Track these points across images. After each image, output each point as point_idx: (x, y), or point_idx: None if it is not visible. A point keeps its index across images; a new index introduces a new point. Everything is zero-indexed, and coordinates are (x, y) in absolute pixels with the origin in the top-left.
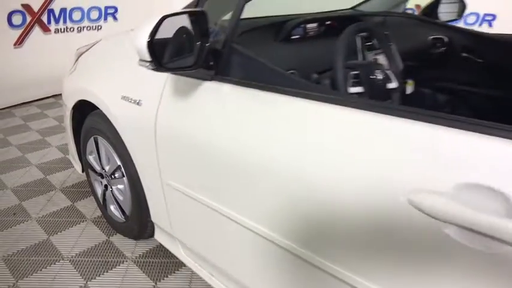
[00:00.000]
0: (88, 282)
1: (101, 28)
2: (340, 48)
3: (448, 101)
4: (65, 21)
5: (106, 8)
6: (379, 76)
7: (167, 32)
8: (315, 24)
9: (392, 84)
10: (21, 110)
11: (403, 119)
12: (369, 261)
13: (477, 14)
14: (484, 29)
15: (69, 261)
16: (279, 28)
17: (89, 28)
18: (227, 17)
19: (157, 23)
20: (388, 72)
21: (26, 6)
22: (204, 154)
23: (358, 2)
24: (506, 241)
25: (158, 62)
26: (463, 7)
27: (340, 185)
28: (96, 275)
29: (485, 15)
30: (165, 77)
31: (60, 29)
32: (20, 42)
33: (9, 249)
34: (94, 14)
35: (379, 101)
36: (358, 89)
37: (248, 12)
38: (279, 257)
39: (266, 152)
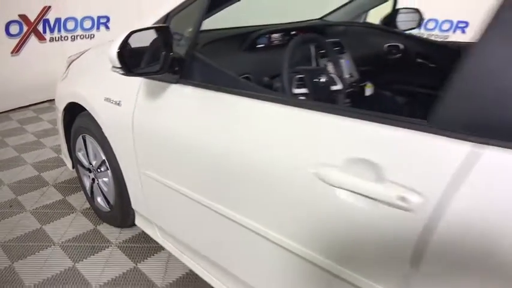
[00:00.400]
0: (76, 264)
1: (93, 37)
2: (286, 57)
3: (406, 102)
4: (59, 31)
5: (98, 17)
6: (322, 79)
7: (145, 42)
8: (278, 34)
9: (337, 86)
10: (18, 114)
11: (316, 112)
12: (288, 217)
13: (451, 22)
14: (458, 35)
15: (60, 246)
16: (244, 38)
17: (82, 37)
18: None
19: (125, 37)
20: (333, 76)
21: (23, 17)
22: (173, 146)
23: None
24: (378, 199)
25: (127, 69)
26: (420, 17)
27: (272, 164)
28: (83, 257)
29: (459, 22)
30: (139, 81)
31: (55, 38)
32: (17, 50)
33: (6, 237)
34: (87, 24)
35: (301, 100)
36: (302, 90)
37: (220, 23)
38: (236, 230)
39: (221, 142)
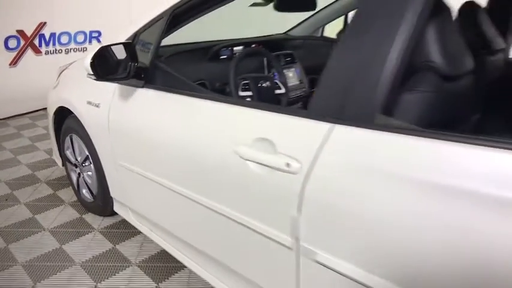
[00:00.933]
0: (62, 245)
1: (86, 50)
2: (232, 66)
3: None
4: (54, 44)
5: (91, 32)
6: (265, 84)
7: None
8: (240, 47)
9: (281, 90)
10: (15, 120)
11: (237, 106)
12: (218, 185)
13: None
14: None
15: (49, 231)
16: (208, 50)
17: (75, 50)
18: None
19: (97, 51)
20: (278, 82)
21: (20, 32)
22: (140, 140)
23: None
24: (274, 167)
25: (98, 75)
26: None
27: (210, 147)
28: (69, 240)
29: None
30: (114, 86)
31: (50, 51)
32: (14, 62)
33: (2, 224)
34: (80, 38)
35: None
36: (247, 93)
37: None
38: (190, 205)
39: (176, 135)
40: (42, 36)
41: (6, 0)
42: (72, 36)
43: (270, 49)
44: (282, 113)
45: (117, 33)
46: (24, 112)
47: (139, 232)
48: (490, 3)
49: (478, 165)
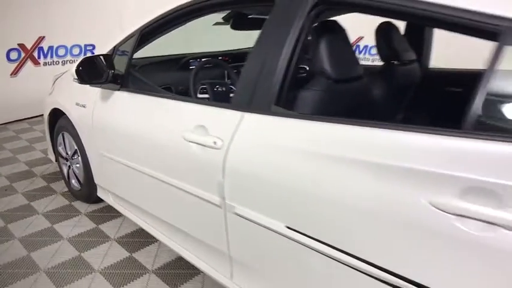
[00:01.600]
0: (53, 225)
1: None
2: (192, 73)
3: None
4: (51, 56)
5: (85, 45)
6: (220, 89)
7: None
8: (207, 59)
9: None
10: (15, 125)
11: (184, 102)
12: (171, 163)
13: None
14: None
15: (42, 215)
16: (178, 61)
17: (71, 61)
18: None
19: (81, 60)
20: (233, 87)
21: (21, 45)
22: (117, 133)
23: None
24: (206, 145)
25: (81, 79)
26: None
27: (167, 135)
28: (59, 221)
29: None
30: (97, 90)
31: (48, 62)
32: (15, 72)
33: (2, 208)
34: (75, 50)
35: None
36: (204, 95)
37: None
38: (152, 182)
39: (144, 127)
40: (41, 49)
41: (8, 16)
42: (69, 49)
43: (237, 61)
44: (214, 106)
45: (106, 47)
46: (23, 118)
47: (120, 214)
48: (407, 27)
49: (339, 139)
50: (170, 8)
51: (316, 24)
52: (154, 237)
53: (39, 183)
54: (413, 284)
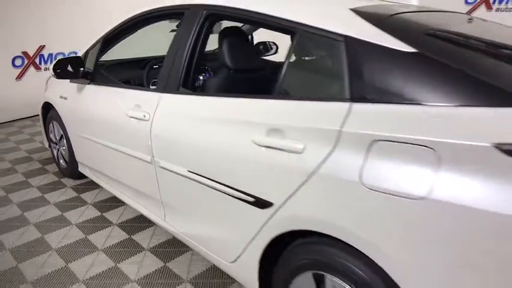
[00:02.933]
0: (44, 195)
1: None
2: (145, 71)
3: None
4: (51, 62)
5: None
6: None
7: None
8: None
9: None
10: (19, 122)
11: (129, 89)
12: (120, 135)
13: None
14: None
15: (36, 188)
16: (141, 62)
17: None
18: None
19: (57, 61)
20: None
21: (25, 53)
22: (89, 117)
23: None
24: (142, 119)
25: (57, 75)
26: (276, 47)
27: (117, 114)
28: (49, 192)
29: None
30: (75, 84)
31: (48, 68)
32: (19, 77)
33: (5, 183)
34: None
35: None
36: (153, 87)
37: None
38: (112, 152)
39: (106, 110)
40: (42, 56)
41: (14, 28)
42: (66, 55)
43: None
44: (146, 90)
45: (82, 51)
46: (27, 116)
47: (98, 186)
48: None
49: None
50: (120, 22)
51: (221, 30)
52: (122, 201)
53: (36, 166)
54: (254, 198)
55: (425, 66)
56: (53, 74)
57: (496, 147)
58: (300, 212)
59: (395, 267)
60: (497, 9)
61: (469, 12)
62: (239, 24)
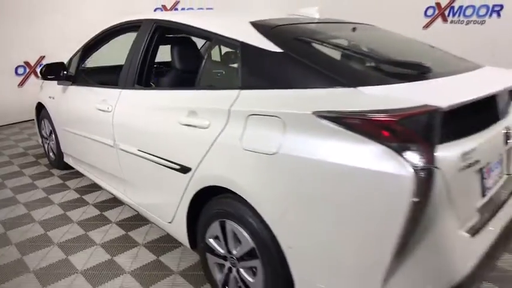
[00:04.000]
0: (34, 181)
1: None
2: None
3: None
4: None
5: None
6: None
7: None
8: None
9: None
10: (20, 124)
11: (104, 88)
12: (91, 126)
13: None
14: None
15: (29, 176)
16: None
17: None
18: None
19: (43, 65)
20: None
21: (26, 63)
22: (70, 113)
23: None
24: (102, 110)
25: (44, 77)
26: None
27: (90, 107)
28: (39, 179)
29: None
30: (60, 86)
31: None
32: (21, 84)
33: (2, 173)
34: None
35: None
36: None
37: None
38: (87, 141)
39: (82, 106)
40: (42, 65)
41: (17, 41)
42: None
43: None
44: (112, 88)
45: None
46: (27, 119)
47: (81, 175)
48: None
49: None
50: (96, 34)
51: (173, 38)
52: (99, 186)
53: (30, 159)
54: (179, 165)
55: (287, 61)
56: (40, 75)
57: (313, 113)
58: (207, 172)
59: (264, 208)
60: (452, 21)
61: (428, 24)
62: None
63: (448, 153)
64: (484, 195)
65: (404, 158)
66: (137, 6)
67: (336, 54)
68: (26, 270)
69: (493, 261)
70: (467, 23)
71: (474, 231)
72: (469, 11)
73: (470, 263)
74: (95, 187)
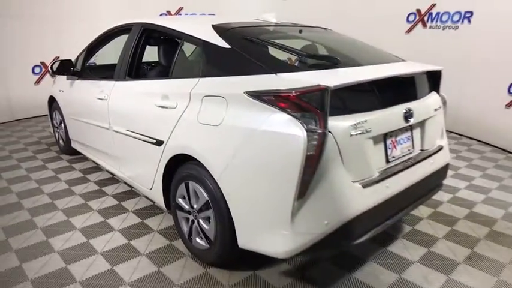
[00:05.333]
0: (45, 164)
1: None
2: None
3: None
4: None
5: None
6: None
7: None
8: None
9: None
10: (37, 119)
11: (100, 80)
12: (93, 114)
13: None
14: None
15: (41, 160)
16: None
17: None
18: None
19: (53, 62)
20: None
21: (42, 63)
22: (76, 103)
23: None
24: (101, 98)
25: (53, 72)
26: None
27: (92, 99)
28: (49, 162)
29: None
30: (68, 80)
31: None
32: (38, 82)
33: (18, 157)
34: None
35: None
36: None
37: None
38: (89, 126)
39: (86, 97)
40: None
41: (34, 42)
42: None
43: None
44: (108, 80)
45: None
46: (43, 114)
47: (88, 164)
48: None
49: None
50: (97, 36)
51: (160, 39)
52: (100, 167)
53: (43, 147)
54: (155, 139)
55: (233, 55)
56: (50, 71)
57: (244, 93)
58: (175, 143)
59: (213, 167)
60: (430, 27)
61: (410, 29)
62: None
63: (340, 122)
64: (388, 161)
65: (301, 124)
66: (145, 12)
67: (269, 50)
68: (34, 227)
69: (389, 216)
70: (443, 28)
71: (367, 184)
72: (445, 17)
73: (360, 207)
74: (97, 169)
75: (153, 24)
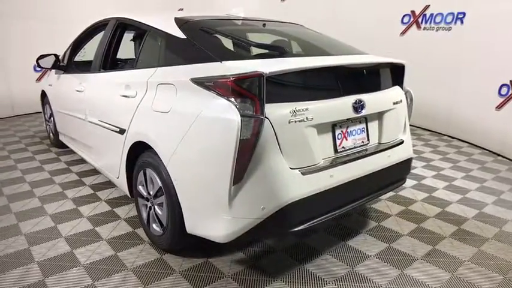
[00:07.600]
0: (34, 155)
1: None
2: None
3: None
4: None
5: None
6: None
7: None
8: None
9: None
10: (36, 114)
11: (85, 74)
12: (75, 106)
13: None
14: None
15: (31, 152)
16: None
17: None
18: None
19: (39, 56)
20: None
21: None
22: (61, 96)
23: None
24: (79, 91)
25: (38, 66)
26: None
27: (74, 92)
28: (39, 154)
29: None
30: (56, 74)
31: None
32: (39, 79)
33: (11, 148)
34: None
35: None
36: None
37: None
38: (71, 119)
39: (68, 90)
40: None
41: (36, 41)
42: None
43: None
44: (86, 73)
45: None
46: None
47: (74, 156)
48: None
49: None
50: (80, 33)
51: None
52: (85, 161)
53: (36, 140)
54: (119, 128)
55: (187, 45)
56: (36, 64)
57: (190, 80)
58: (134, 130)
59: (163, 153)
60: (424, 28)
61: (405, 31)
62: None
63: (278, 109)
64: (337, 151)
65: (237, 109)
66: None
67: (222, 40)
68: (8, 211)
69: (335, 207)
70: (437, 30)
71: (308, 172)
72: (438, 18)
73: (297, 194)
74: (81, 161)
75: (125, 19)
